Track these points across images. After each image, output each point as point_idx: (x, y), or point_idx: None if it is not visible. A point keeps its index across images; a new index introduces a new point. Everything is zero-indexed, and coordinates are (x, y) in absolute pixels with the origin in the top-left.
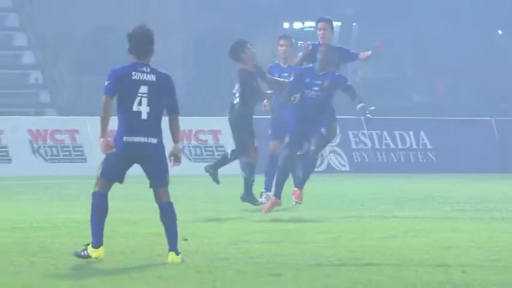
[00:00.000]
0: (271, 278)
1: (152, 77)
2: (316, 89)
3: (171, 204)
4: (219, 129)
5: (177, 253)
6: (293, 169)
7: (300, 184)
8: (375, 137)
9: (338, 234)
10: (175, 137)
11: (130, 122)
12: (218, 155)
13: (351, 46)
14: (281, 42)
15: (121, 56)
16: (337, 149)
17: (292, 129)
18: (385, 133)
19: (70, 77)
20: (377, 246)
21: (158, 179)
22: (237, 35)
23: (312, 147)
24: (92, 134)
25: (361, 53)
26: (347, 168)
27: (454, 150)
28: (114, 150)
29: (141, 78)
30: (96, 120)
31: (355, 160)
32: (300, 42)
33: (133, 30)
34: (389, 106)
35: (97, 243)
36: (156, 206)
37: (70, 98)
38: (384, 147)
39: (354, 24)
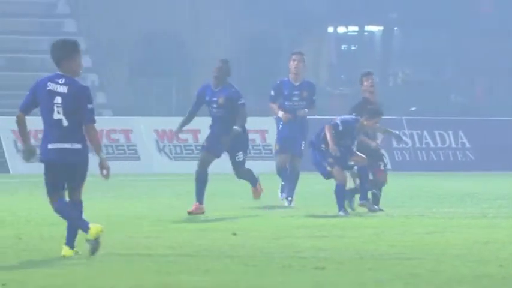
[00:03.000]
0: (315, 272)
1: (64, 89)
2: (215, 106)
3: (81, 203)
4: (266, 129)
5: (72, 248)
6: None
7: None
8: (416, 136)
9: (380, 230)
10: (95, 148)
11: (53, 130)
12: (265, 153)
13: (393, 50)
14: (293, 57)
15: (171, 58)
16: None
17: (205, 146)
18: (425, 133)
19: (125, 79)
20: (417, 241)
21: (80, 180)
22: (282, 39)
23: (235, 173)
24: (145, 134)
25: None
26: (389, 166)
27: (491, 149)
28: (37, 155)
29: (54, 89)
30: (150, 120)
31: (397, 159)
32: (344, 46)
33: (52, 44)
34: (429, 107)
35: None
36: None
37: (125, 99)
38: (424, 146)
39: (396, 28)
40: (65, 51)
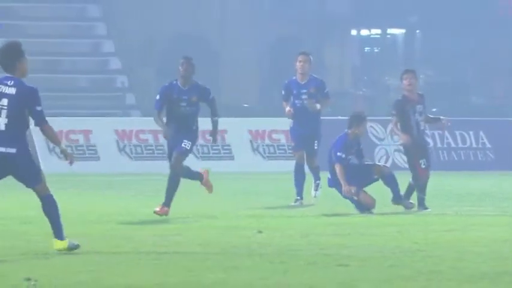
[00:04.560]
0: (339, 268)
1: (12, 90)
2: (184, 104)
3: (50, 196)
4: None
5: (62, 239)
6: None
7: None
8: (437, 136)
9: (402, 227)
10: (55, 144)
11: None
12: (289, 153)
13: (415, 53)
14: (299, 58)
15: (199, 60)
16: (401, 147)
17: (169, 144)
18: (446, 133)
19: (153, 81)
20: (438, 238)
21: (30, 181)
22: (306, 41)
23: (172, 161)
24: None
25: None
26: None
27: (511, 149)
28: None
29: (3, 90)
30: None
31: None
32: (367, 48)
33: (1, 46)
34: (450, 107)
35: None
36: (221, 199)
37: (153, 100)
38: (445, 146)
39: (418, 31)
40: (12, 54)
